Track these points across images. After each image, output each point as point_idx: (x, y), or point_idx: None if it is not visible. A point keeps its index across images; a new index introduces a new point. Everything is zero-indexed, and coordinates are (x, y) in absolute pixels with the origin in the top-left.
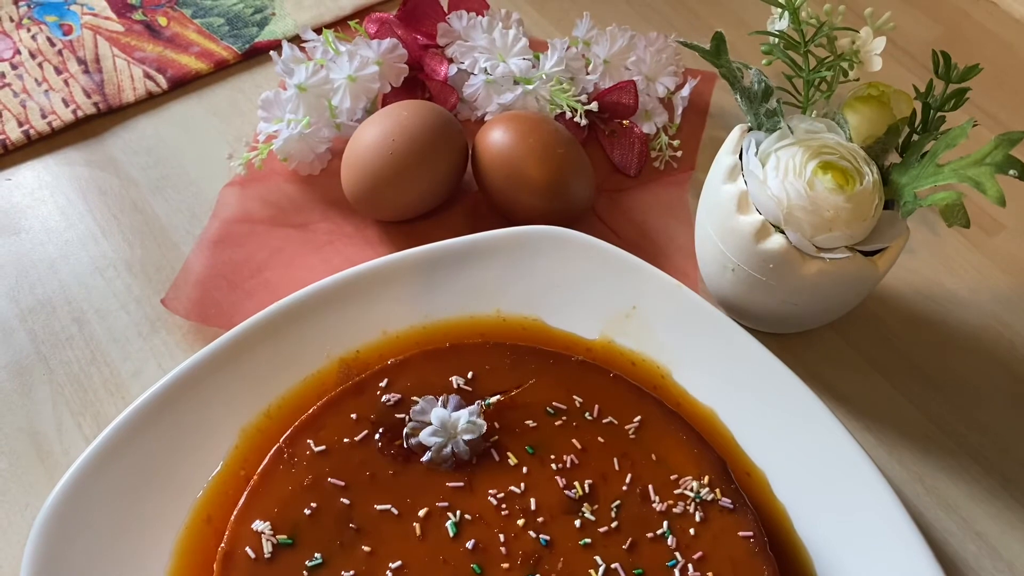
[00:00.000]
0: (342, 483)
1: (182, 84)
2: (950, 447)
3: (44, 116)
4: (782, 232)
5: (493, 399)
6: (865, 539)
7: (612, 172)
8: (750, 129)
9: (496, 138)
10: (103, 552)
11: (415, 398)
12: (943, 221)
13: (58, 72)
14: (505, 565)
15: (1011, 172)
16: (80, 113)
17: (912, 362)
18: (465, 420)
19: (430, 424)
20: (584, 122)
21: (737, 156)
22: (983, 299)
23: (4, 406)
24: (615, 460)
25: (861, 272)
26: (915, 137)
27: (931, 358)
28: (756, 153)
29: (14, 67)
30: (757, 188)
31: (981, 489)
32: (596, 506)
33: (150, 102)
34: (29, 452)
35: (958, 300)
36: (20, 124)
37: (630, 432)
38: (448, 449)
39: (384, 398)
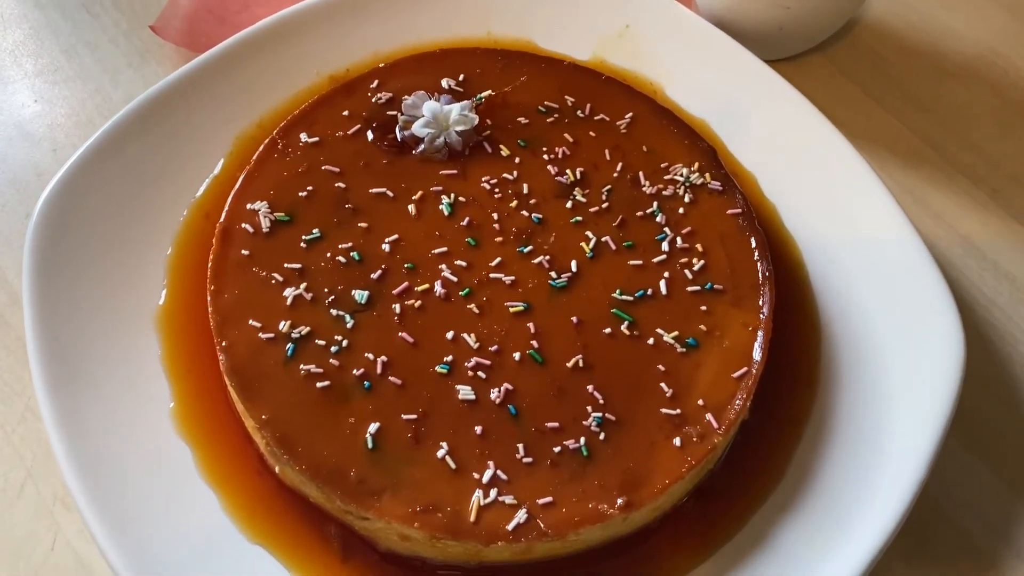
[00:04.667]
0: (337, 169)
1: None
2: (941, 164)
3: None
4: None
5: (485, 94)
6: (854, 231)
7: None
8: None
9: None
10: (102, 245)
11: (406, 96)
12: None
13: None
14: (499, 239)
15: None
16: None
17: (905, 88)
18: (457, 112)
19: (422, 116)
20: None
21: None
22: (978, 32)
23: None
24: (606, 151)
25: None
26: None
27: (924, 84)
28: None
29: None
30: None
31: (970, 200)
32: (587, 190)
33: None
34: (26, 171)
35: (953, 32)
36: None
37: (621, 127)
38: (441, 140)
39: (375, 97)
